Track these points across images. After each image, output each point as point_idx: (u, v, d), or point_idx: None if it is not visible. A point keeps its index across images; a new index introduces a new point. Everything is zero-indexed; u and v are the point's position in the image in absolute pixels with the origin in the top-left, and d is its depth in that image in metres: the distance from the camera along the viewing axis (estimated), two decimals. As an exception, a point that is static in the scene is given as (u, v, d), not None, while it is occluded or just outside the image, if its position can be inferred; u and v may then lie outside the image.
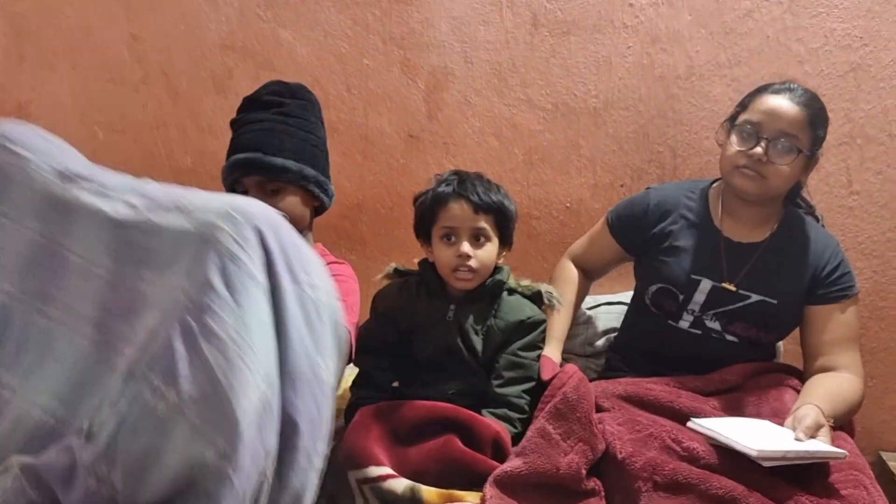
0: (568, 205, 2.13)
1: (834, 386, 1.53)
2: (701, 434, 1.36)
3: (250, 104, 1.65)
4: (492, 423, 1.44)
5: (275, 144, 1.58)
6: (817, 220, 1.74)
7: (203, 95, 2.17)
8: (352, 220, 2.20)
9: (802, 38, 1.94)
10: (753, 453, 1.23)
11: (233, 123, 1.66)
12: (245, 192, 1.59)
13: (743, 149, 1.56)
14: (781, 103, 1.55)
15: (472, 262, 1.50)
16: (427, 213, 1.55)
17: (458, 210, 1.50)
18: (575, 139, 2.09)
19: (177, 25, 2.13)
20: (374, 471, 1.34)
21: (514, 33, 2.04)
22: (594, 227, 1.86)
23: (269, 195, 1.58)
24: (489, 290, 1.56)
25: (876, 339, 2.10)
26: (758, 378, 1.62)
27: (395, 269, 1.68)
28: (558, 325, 1.71)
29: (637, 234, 1.74)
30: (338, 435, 1.54)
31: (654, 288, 1.71)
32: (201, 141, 2.20)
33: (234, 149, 1.62)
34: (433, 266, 1.58)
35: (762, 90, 1.61)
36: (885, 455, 2.12)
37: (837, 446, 1.40)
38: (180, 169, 2.22)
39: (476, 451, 1.38)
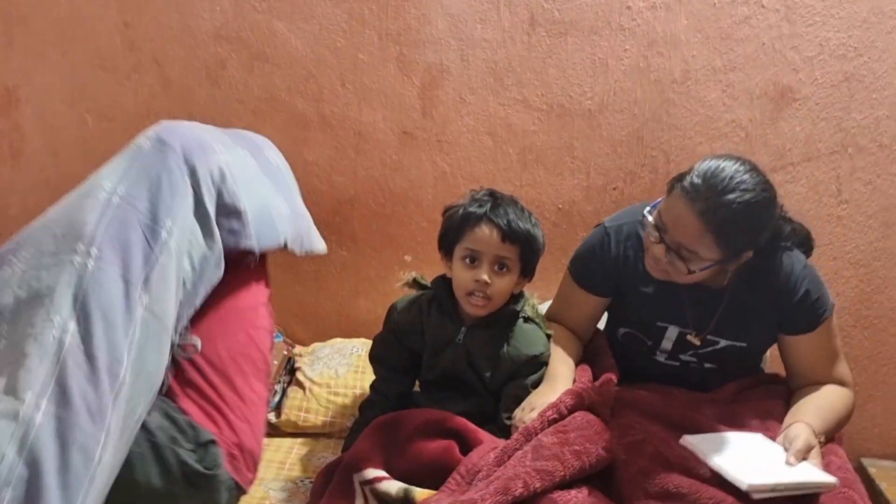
0: (560, 206, 2.13)
1: (823, 400, 1.53)
2: (692, 452, 1.36)
3: None
4: (492, 438, 1.44)
5: None
6: (809, 244, 1.65)
7: (195, 85, 2.14)
8: (343, 215, 2.19)
9: (798, 46, 1.95)
10: (744, 486, 1.24)
11: None
12: None
13: (649, 242, 1.49)
14: (681, 212, 1.38)
15: (489, 290, 1.47)
16: (454, 229, 1.51)
17: (485, 234, 1.47)
18: (569, 140, 2.09)
19: (170, 14, 2.11)
20: (371, 472, 1.38)
21: (511, 32, 2.04)
22: (561, 285, 1.76)
23: None
24: (503, 318, 1.54)
25: (860, 347, 2.13)
26: (747, 392, 1.63)
27: (415, 280, 1.65)
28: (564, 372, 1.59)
29: (605, 279, 1.66)
30: (350, 432, 1.65)
31: (622, 331, 1.71)
32: (192, 131, 2.18)
33: None
34: (448, 285, 1.55)
35: (675, 181, 1.44)
36: (865, 461, 2.15)
37: (829, 461, 1.42)
38: (170, 159, 2.20)
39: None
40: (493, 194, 1.54)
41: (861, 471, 2.13)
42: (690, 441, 1.39)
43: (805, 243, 1.62)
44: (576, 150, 2.09)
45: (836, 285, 2.08)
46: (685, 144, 2.05)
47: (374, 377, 1.70)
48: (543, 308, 1.82)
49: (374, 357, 1.67)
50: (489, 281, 1.45)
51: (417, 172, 2.15)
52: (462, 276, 1.49)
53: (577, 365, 1.62)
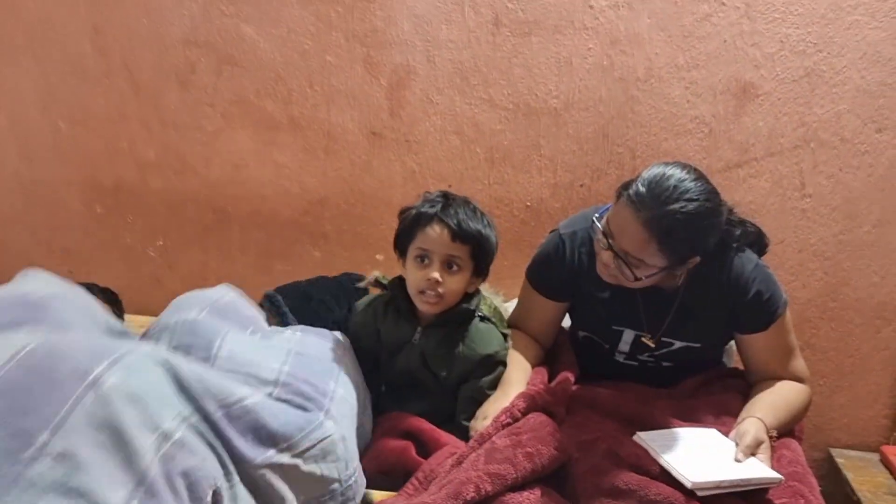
0: (528, 204, 2.16)
1: (778, 395, 1.55)
2: (644, 448, 1.39)
3: None
4: (450, 438, 1.47)
5: None
6: (762, 242, 1.65)
7: (165, 89, 2.16)
8: (314, 215, 2.22)
9: (759, 42, 1.97)
10: (689, 484, 1.26)
11: None
12: None
13: (598, 248, 1.50)
14: (627, 220, 1.40)
15: (440, 289, 1.49)
16: (406, 230, 1.54)
17: (435, 234, 1.49)
18: (535, 139, 2.11)
19: (139, 19, 2.12)
20: None
21: (476, 33, 2.05)
22: (521, 292, 1.77)
23: None
24: (457, 317, 1.56)
25: (826, 338, 2.15)
26: (705, 387, 1.66)
27: (377, 279, 1.69)
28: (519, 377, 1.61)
29: (561, 285, 1.68)
30: None
31: (581, 334, 1.74)
32: (164, 134, 2.20)
33: None
34: (405, 286, 1.57)
35: (622, 189, 1.45)
36: (833, 451, 2.18)
37: (780, 455, 1.44)
38: (144, 163, 2.23)
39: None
40: (445, 195, 1.56)
41: (829, 461, 2.16)
42: (643, 437, 1.42)
43: (758, 243, 1.64)
44: (543, 149, 2.11)
45: (801, 277, 2.11)
46: (650, 141, 2.07)
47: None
48: (510, 306, 1.85)
49: None
50: (440, 279, 1.48)
51: (387, 172, 2.17)
52: (414, 276, 1.51)
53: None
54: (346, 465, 1.30)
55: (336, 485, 1.28)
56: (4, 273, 2.29)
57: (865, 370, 2.16)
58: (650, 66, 2.03)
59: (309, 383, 1.34)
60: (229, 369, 1.30)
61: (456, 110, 2.11)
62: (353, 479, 1.31)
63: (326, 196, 2.20)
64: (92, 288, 1.99)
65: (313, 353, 1.47)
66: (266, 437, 1.19)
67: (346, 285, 1.86)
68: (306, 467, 1.23)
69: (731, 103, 2.02)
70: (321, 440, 1.26)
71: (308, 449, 1.24)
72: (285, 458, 1.21)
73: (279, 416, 1.22)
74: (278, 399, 1.28)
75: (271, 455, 1.19)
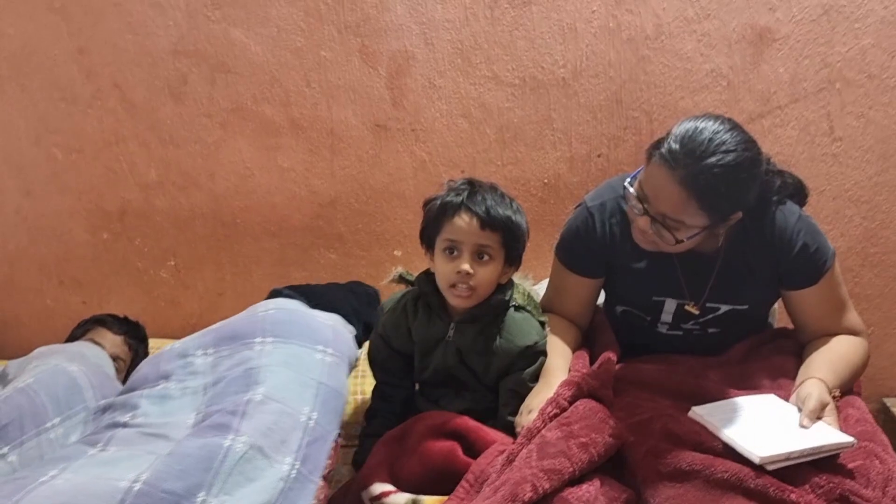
0: (546, 181, 2.08)
1: (835, 353, 1.47)
2: (702, 424, 1.31)
3: None
4: (497, 434, 1.40)
5: None
6: (803, 192, 1.57)
7: (159, 105, 2.09)
8: (326, 218, 2.15)
9: (771, -16, 1.87)
10: (757, 460, 1.18)
11: None
12: None
13: (633, 215, 1.42)
14: (662, 181, 1.32)
15: (472, 281, 1.41)
16: (432, 222, 1.46)
17: (463, 224, 1.41)
18: (546, 113, 2.03)
19: (124, 35, 2.05)
20: (378, 488, 1.33)
21: (472, 9, 1.97)
22: (551, 273, 1.67)
23: None
24: (491, 309, 1.48)
25: (870, 286, 2.07)
26: (756, 351, 1.58)
27: (401, 276, 1.60)
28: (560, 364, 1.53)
29: (594, 260, 1.59)
30: (359, 443, 1.62)
31: (619, 309, 1.66)
32: (164, 152, 2.14)
33: None
34: (433, 280, 1.50)
35: (653, 148, 1.36)
36: (888, 401, 2.11)
37: (846, 415, 1.37)
38: (146, 183, 2.16)
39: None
40: (470, 182, 1.48)
41: (884, 411, 2.09)
42: (699, 413, 1.34)
43: (798, 193, 1.55)
44: (555, 122, 2.03)
45: (838, 226, 2.03)
46: (666, 101, 1.99)
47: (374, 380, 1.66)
48: (540, 288, 1.78)
49: (372, 360, 1.63)
50: (471, 271, 1.40)
51: (396, 165, 2.10)
52: (444, 269, 1.44)
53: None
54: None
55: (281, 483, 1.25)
56: (16, 312, 2.26)
57: (915, 314, 2.08)
58: (658, 22, 1.94)
59: None
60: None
61: (461, 92, 2.03)
62: (294, 469, 1.29)
63: (337, 196, 2.13)
64: (112, 322, 1.96)
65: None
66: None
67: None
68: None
69: (747, 52, 1.93)
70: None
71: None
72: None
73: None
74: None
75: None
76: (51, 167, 2.15)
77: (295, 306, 1.71)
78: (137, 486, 1.15)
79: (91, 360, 1.72)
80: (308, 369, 1.50)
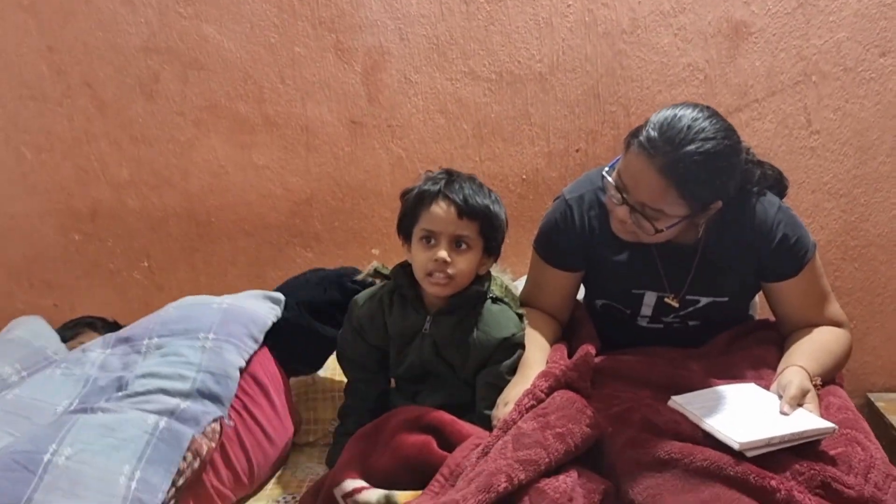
0: (524, 176, 2.06)
1: (817, 342, 1.45)
2: (682, 413, 1.29)
3: None
4: (473, 428, 1.37)
5: None
6: (782, 184, 1.56)
7: (130, 103, 2.06)
8: (302, 216, 2.11)
9: (746, -24, 1.87)
10: (736, 446, 1.17)
11: None
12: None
13: (611, 205, 1.41)
14: (641, 170, 1.31)
15: (450, 269, 1.39)
16: (410, 212, 1.45)
17: (440, 212, 1.40)
18: (524, 108, 2.01)
19: (94, 33, 2.02)
20: (350, 484, 1.31)
21: (448, 4, 1.95)
22: (530, 267, 1.65)
23: None
24: (469, 300, 1.47)
25: (851, 279, 2.06)
26: (739, 340, 1.56)
27: (376, 270, 1.58)
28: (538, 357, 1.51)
29: (574, 253, 1.57)
30: (333, 441, 1.62)
31: (599, 303, 1.64)
32: (136, 150, 2.10)
33: None
34: (409, 272, 1.48)
35: (631, 137, 1.35)
36: (872, 396, 2.09)
37: (828, 403, 1.36)
38: (117, 182, 2.12)
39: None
40: (448, 172, 1.47)
41: (869, 406, 2.07)
42: (678, 402, 1.32)
43: (778, 185, 1.54)
44: (532, 117, 2.02)
45: (818, 219, 2.02)
46: (644, 95, 1.98)
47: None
48: (519, 284, 1.75)
49: (342, 356, 1.60)
50: (448, 259, 1.38)
51: (372, 161, 2.07)
52: (420, 258, 1.41)
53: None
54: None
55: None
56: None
57: (896, 307, 2.07)
58: (634, 16, 1.93)
59: None
60: None
61: (437, 88, 2.01)
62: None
63: (313, 194, 2.10)
64: (95, 323, 1.93)
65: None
66: None
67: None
68: None
69: (723, 45, 1.93)
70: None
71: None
72: None
73: None
74: None
75: None
76: (19, 167, 2.11)
77: (197, 300, 1.71)
78: None
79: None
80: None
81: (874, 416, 2.02)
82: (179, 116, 2.06)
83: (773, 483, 1.12)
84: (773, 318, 1.62)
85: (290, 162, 2.08)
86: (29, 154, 2.11)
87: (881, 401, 2.06)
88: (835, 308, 1.54)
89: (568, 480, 1.21)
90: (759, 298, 1.75)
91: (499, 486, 1.14)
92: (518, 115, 2.02)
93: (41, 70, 2.05)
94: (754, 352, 1.52)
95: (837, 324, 1.52)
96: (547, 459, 1.20)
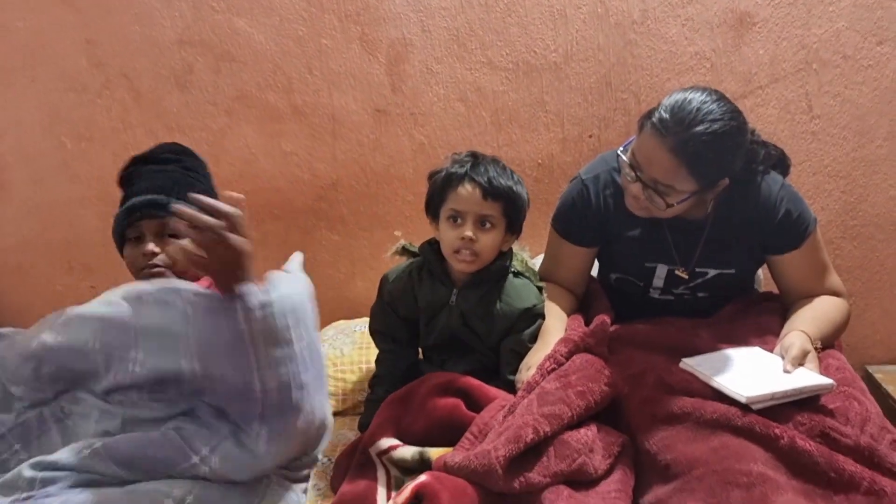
0: (539, 161, 2.16)
1: (818, 309, 1.57)
2: (692, 374, 1.40)
3: (144, 160, 1.58)
4: (499, 392, 1.47)
5: (179, 190, 1.49)
6: (785, 163, 1.66)
7: (166, 94, 2.16)
8: (328, 200, 2.22)
9: (750, -30, 1.97)
10: (743, 399, 1.27)
11: (126, 177, 1.58)
12: (139, 238, 1.51)
13: (626, 182, 1.51)
14: (653, 149, 1.41)
15: (475, 246, 1.49)
16: (437, 192, 1.54)
17: (466, 193, 1.49)
18: (539, 96, 2.11)
19: (131, 26, 2.12)
20: (385, 442, 1.40)
21: (467, -3, 2.05)
22: (548, 243, 1.78)
23: (166, 239, 1.50)
24: (493, 275, 1.57)
25: (850, 257, 2.16)
26: (745, 310, 1.66)
27: (403, 247, 1.68)
28: (557, 326, 1.62)
29: (590, 230, 1.68)
30: (364, 409, 1.70)
31: (613, 276, 1.75)
32: (170, 139, 2.16)
33: (133, 194, 1.52)
34: (437, 249, 1.58)
35: (645, 119, 1.45)
36: (870, 368, 2.19)
37: (826, 364, 1.46)
38: (153, 169, 2.22)
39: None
40: (474, 155, 1.56)
41: (868, 379, 2.17)
42: (689, 363, 1.43)
43: (781, 164, 1.65)
44: (547, 105, 2.12)
45: (819, 199, 2.12)
46: (653, 83, 2.08)
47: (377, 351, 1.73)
48: (536, 263, 1.86)
49: (374, 330, 1.70)
50: (474, 237, 1.48)
51: (396, 148, 2.17)
52: (448, 236, 1.52)
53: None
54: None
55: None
56: (27, 299, 2.32)
57: (893, 283, 2.17)
58: (644, 7, 2.03)
59: None
60: None
61: (457, 77, 2.11)
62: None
63: (338, 179, 2.21)
64: None
65: None
66: None
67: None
68: None
69: (729, 35, 2.02)
70: None
71: None
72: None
73: None
74: None
75: None
76: (60, 156, 2.22)
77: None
78: None
79: None
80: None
81: (872, 387, 2.12)
82: (212, 106, 2.17)
83: (777, 431, 1.23)
84: (776, 291, 1.74)
85: (317, 149, 2.19)
86: (69, 143, 2.21)
87: (879, 373, 2.15)
88: (834, 278, 1.65)
89: (589, 433, 1.32)
90: (763, 272, 1.86)
91: (526, 437, 1.25)
92: (534, 102, 2.12)
93: (80, 63, 2.16)
94: (759, 321, 1.63)
95: (837, 294, 1.63)
96: (570, 414, 1.31)
